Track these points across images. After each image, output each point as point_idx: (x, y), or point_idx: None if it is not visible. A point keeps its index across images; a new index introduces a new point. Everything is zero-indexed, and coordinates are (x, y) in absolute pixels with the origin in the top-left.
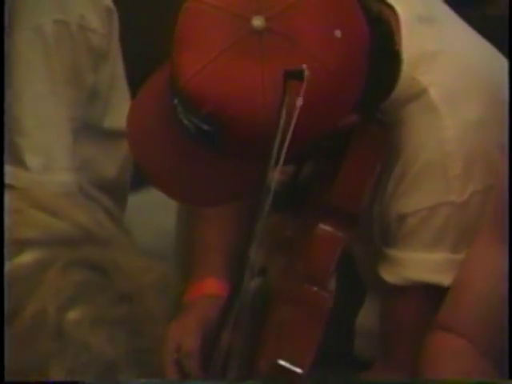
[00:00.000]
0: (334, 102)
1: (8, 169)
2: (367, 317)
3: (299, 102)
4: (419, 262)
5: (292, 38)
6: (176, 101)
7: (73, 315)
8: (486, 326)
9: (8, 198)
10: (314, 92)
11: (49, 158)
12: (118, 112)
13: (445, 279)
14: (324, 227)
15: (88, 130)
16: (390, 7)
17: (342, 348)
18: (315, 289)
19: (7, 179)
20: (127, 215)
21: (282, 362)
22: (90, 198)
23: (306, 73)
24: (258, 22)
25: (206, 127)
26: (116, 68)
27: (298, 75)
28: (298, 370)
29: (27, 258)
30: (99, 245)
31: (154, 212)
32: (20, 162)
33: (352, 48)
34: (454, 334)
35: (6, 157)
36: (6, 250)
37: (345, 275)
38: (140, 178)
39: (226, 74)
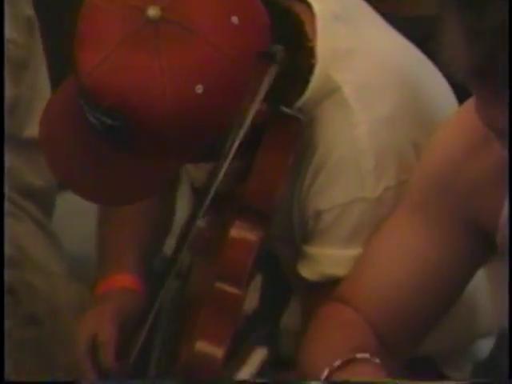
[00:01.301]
0: (236, 89)
1: None
2: (293, 316)
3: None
4: (335, 258)
5: (188, 27)
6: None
7: None
8: (385, 304)
9: None
10: (216, 80)
11: None
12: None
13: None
14: (239, 226)
15: (8, 139)
16: (306, 4)
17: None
18: (227, 287)
19: None
20: (55, 218)
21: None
22: (17, 207)
23: (280, 54)
24: (153, 11)
25: (109, 122)
26: (38, 78)
27: (268, 56)
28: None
29: None
30: (13, 267)
31: (81, 214)
32: None
33: (251, 35)
34: (349, 306)
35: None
36: None
37: (271, 275)
38: None
39: (124, 66)
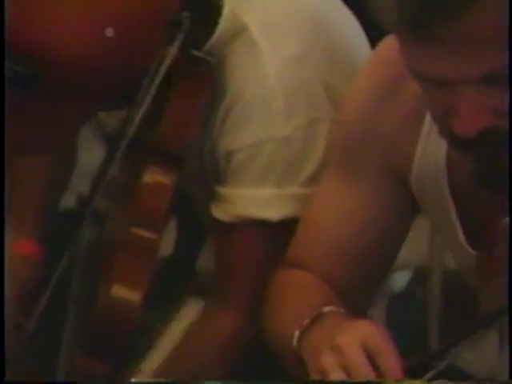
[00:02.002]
0: (147, 33)
1: None
2: (208, 258)
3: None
4: (247, 198)
5: None
6: None
7: None
8: (336, 262)
9: None
10: (127, 23)
11: None
12: None
13: (272, 214)
14: (152, 170)
15: None
16: None
17: (185, 290)
18: (143, 232)
19: None
20: None
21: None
22: None
23: (187, 21)
24: None
25: (22, 70)
26: None
27: (176, 22)
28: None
29: None
30: None
31: None
32: None
33: None
34: (302, 269)
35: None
36: None
37: (186, 217)
38: None
39: (34, 12)
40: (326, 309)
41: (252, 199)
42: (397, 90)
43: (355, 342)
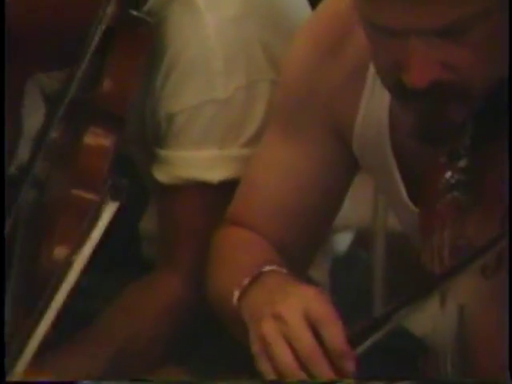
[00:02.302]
0: None
1: None
2: (151, 220)
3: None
4: (188, 160)
5: None
6: None
7: None
8: (277, 220)
9: None
10: None
11: None
12: None
13: (214, 176)
14: (92, 132)
15: None
16: None
17: (128, 252)
18: (84, 193)
19: None
20: None
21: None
22: None
23: None
24: None
25: None
26: None
27: None
28: None
29: None
30: None
31: None
32: None
33: None
34: (244, 227)
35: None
36: None
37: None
38: None
39: None
40: (267, 268)
41: (193, 161)
42: (338, 46)
43: (298, 310)
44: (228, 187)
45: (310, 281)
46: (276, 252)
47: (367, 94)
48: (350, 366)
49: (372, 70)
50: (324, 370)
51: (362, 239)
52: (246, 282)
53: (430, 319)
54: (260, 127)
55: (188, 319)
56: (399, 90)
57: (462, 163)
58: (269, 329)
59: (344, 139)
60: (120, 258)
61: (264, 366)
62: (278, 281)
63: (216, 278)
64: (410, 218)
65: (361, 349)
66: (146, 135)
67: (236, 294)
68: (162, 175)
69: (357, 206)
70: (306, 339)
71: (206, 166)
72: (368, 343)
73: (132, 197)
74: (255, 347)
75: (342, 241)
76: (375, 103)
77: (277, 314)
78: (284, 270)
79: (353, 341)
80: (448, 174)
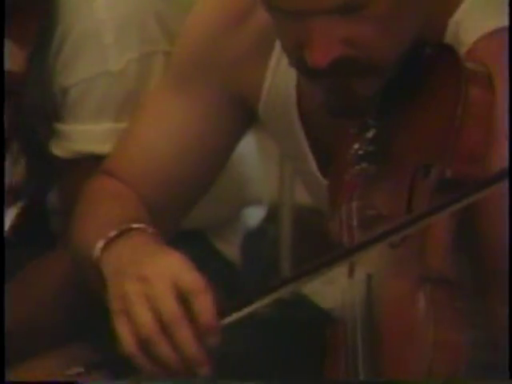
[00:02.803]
0: None
1: None
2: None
3: None
4: (84, 134)
5: None
6: None
7: None
8: (151, 174)
9: None
10: None
11: None
12: None
13: (109, 149)
14: None
15: None
16: None
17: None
18: None
19: None
20: None
21: None
22: None
23: None
24: None
25: None
26: None
27: None
28: None
29: None
30: None
31: None
32: None
33: None
34: (116, 179)
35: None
36: None
37: (35, 155)
38: None
39: None
40: (136, 225)
41: (89, 135)
42: (245, 15)
43: (166, 275)
44: None
45: (220, 256)
46: (146, 209)
47: (273, 65)
48: (213, 340)
49: (278, 43)
50: (186, 338)
51: (271, 213)
52: (112, 234)
53: (338, 290)
54: None
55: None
56: (303, 68)
57: (370, 134)
58: (132, 289)
59: (248, 106)
60: (29, 234)
61: (121, 326)
62: (145, 240)
63: (82, 227)
64: (318, 188)
65: (234, 317)
66: (43, 109)
67: (100, 244)
68: (59, 150)
69: (264, 180)
70: (170, 304)
71: (103, 139)
72: (248, 311)
73: (39, 172)
74: (114, 305)
75: (252, 215)
76: (282, 74)
77: (143, 276)
78: (151, 230)
79: (223, 313)
80: (356, 145)
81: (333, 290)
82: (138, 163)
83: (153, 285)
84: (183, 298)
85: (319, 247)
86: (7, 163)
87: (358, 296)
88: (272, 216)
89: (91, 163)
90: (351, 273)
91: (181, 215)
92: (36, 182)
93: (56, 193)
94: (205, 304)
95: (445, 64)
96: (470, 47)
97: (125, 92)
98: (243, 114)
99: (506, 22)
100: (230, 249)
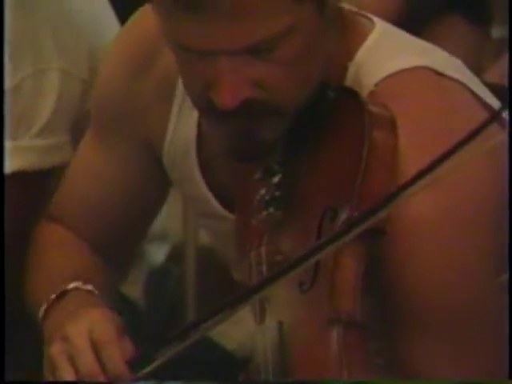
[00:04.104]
0: None
1: None
2: None
3: None
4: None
5: None
6: None
7: None
8: (91, 222)
9: None
10: None
11: None
12: None
13: (8, 167)
14: None
15: None
16: None
17: None
18: None
19: None
20: None
21: None
22: None
23: None
24: None
25: None
26: None
27: None
28: None
29: None
30: None
31: None
32: None
33: None
34: (61, 224)
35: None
36: None
37: None
38: None
39: None
40: (71, 285)
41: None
42: (148, 63)
43: (83, 332)
44: (28, 179)
45: (124, 299)
46: (90, 252)
47: (175, 112)
48: None
49: (181, 87)
50: None
51: (175, 252)
52: (52, 297)
53: (246, 335)
54: (52, 117)
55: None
56: (210, 111)
57: (276, 179)
58: (56, 350)
59: (157, 155)
60: None
61: None
62: (77, 302)
63: (32, 278)
64: (223, 224)
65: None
66: None
67: (42, 310)
68: None
69: (169, 219)
70: (86, 359)
71: (6, 157)
72: (161, 361)
73: None
74: (45, 368)
75: (156, 254)
76: (184, 121)
77: (64, 336)
78: (88, 287)
79: (135, 362)
80: (262, 191)
81: (237, 330)
82: (78, 211)
83: (72, 343)
84: (98, 350)
85: (224, 286)
86: None
87: (270, 342)
88: (176, 255)
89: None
90: (262, 319)
91: (128, 253)
92: None
93: None
94: (112, 354)
95: (348, 107)
96: (372, 90)
97: (20, 109)
98: (156, 160)
99: (410, 63)
100: (134, 289)
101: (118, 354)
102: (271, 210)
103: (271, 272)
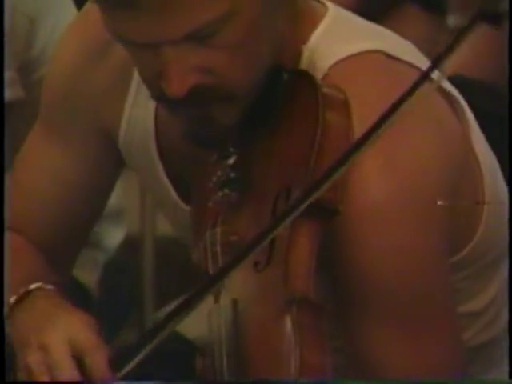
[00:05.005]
0: None
1: None
2: None
3: None
4: None
5: None
6: None
7: None
8: (43, 222)
9: None
10: None
11: None
12: None
13: None
14: None
15: None
16: None
17: None
18: None
19: None
20: None
21: None
22: None
23: None
24: None
25: None
26: None
27: None
28: None
29: None
30: None
31: None
32: None
33: None
34: (14, 232)
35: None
36: None
37: None
38: None
39: None
40: (33, 286)
41: None
42: (104, 50)
43: (62, 339)
44: None
45: (79, 285)
46: (42, 256)
47: (131, 99)
48: None
49: (136, 76)
50: None
51: (132, 244)
52: (12, 300)
53: (204, 318)
54: None
55: None
56: (163, 99)
57: (231, 161)
58: (33, 360)
59: (112, 142)
60: None
61: None
62: (45, 303)
63: None
64: (180, 218)
65: (130, 366)
66: None
67: (5, 310)
68: None
69: (124, 212)
70: (66, 369)
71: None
72: (138, 359)
73: None
74: (21, 375)
75: (111, 247)
76: (140, 108)
77: (41, 344)
78: (49, 286)
79: (114, 363)
80: (218, 172)
81: (198, 318)
82: (28, 213)
83: (51, 352)
84: (79, 358)
85: (182, 277)
86: None
87: (224, 321)
88: (133, 247)
89: None
90: (217, 298)
91: (75, 252)
92: None
93: None
94: (96, 360)
95: (302, 90)
96: (326, 72)
97: None
98: (111, 148)
99: (363, 47)
100: (88, 278)
101: (101, 359)
102: (226, 191)
103: (227, 257)
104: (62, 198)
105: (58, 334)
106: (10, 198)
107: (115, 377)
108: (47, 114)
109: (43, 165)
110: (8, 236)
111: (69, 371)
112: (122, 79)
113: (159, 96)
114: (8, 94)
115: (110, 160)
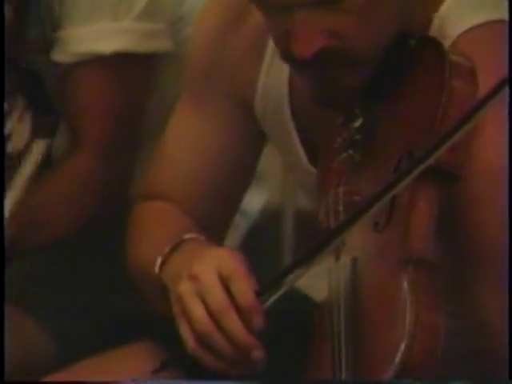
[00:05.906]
0: None
1: None
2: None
3: None
4: (82, 35)
5: None
6: None
7: None
8: (192, 192)
9: None
10: None
11: None
12: None
13: (107, 47)
14: None
15: None
16: None
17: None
18: None
19: None
20: None
21: None
22: None
23: None
24: None
25: None
26: None
27: None
28: None
29: None
30: None
31: None
32: None
33: None
34: (161, 200)
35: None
36: None
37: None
38: None
39: None
40: (187, 236)
41: (87, 35)
42: (242, 16)
43: (211, 268)
44: (128, 62)
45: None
46: (192, 221)
47: (267, 62)
48: (258, 320)
49: (271, 44)
50: (234, 324)
51: (273, 214)
52: (167, 249)
53: (325, 275)
54: (151, 2)
55: (102, 193)
56: (291, 60)
57: (357, 123)
58: (185, 289)
59: (249, 108)
60: None
61: (182, 326)
62: (196, 246)
63: (136, 251)
64: (309, 181)
65: (268, 304)
66: (46, 37)
67: (158, 261)
68: (59, 55)
69: (267, 182)
70: (216, 294)
71: (99, 38)
72: (273, 299)
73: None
74: (174, 308)
75: (253, 216)
76: (275, 71)
77: (192, 274)
78: (202, 237)
79: (262, 296)
80: (344, 134)
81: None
82: (176, 182)
83: (201, 280)
84: (227, 285)
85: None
86: (10, 124)
87: (343, 279)
88: (273, 218)
89: (92, 64)
90: (337, 257)
91: (224, 222)
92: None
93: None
94: (242, 287)
95: (429, 56)
96: (454, 40)
97: None
98: (251, 119)
99: (490, 17)
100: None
101: (247, 287)
102: (350, 152)
103: (348, 214)
104: (205, 167)
105: (207, 264)
106: (154, 166)
107: (261, 306)
108: (190, 84)
109: (190, 136)
110: (151, 205)
111: (218, 296)
112: (258, 43)
113: (287, 58)
114: (157, 45)
115: (251, 128)
